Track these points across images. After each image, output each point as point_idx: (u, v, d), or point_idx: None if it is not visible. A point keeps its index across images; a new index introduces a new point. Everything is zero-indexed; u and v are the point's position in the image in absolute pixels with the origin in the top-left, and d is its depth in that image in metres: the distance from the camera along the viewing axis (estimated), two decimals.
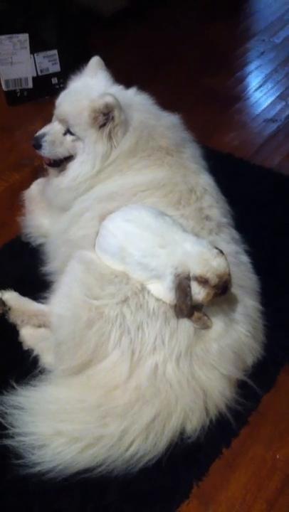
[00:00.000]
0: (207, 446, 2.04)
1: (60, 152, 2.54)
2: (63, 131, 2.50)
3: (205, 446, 2.03)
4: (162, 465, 1.96)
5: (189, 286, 1.96)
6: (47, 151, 2.55)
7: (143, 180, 2.39)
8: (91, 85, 2.49)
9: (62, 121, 2.49)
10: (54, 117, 2.56)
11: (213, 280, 1.94)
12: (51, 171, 2.67)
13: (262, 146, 3.59)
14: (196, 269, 1.96)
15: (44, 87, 3.93)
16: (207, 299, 1.98)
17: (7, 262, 2.76)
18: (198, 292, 1.97)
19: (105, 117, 2.37)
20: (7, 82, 3.87)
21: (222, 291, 1.98)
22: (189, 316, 2.01)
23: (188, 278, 1.96)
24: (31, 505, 1.90)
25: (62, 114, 2.48)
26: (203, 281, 1.95)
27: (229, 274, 1.98)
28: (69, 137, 2.49)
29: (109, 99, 2.34)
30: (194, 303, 1.99)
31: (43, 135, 2.54)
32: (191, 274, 1.96)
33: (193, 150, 2.61)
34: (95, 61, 2.59)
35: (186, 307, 1.97)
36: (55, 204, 2.61)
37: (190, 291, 1.96)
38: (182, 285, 1.96)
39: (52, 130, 2.53)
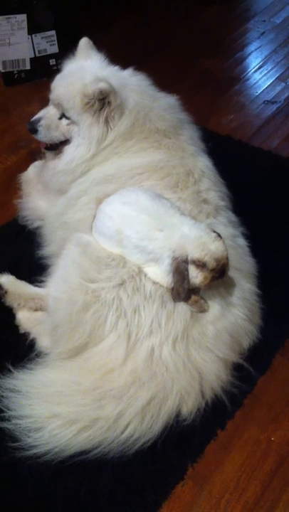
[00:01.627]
0: (202, 429, 2.06)
1: (56, 136, 2.52)
2: (58, 116, 2.49)
3: (200, 429, 2.05)
4: (157, 447, 1.98)
5: (187, 270, 1.96)
6: (43, 135, 2.54)
7: (140, 163, 2.37)
8: (85, 68, 2.47)
9: (57, 105, 2.47)
10: (50, 101, 2.54)
11: (211, 264, 1.94)
12: (48, 154, 2.66)
13: (261, 127, 3.57)
14: (194, 252, 1.95)
15: (42, 69, 3.90)
16: (205, 282, 1.98)
17: (3, 245, 2.76)
18: (196, 276, 1.97)
19: (101, 103, 2.35)
20: (4, 63, 3.83)
21: (219, 274, 1.98)
22: (186, 299, 2.02)
23: (186, 261, 1.96)
24: (25, 489, 1.91)
25: (56, 98, 2.46)
26: (201, 264, 1.95)
27: (227, 258, 1.98)
28: (64, 121, 2.48)
29: (103, 85, 2.31)
30: (191, 286, 1.99)
31: (39, 119, 2.53)
32: (189, 258, 1.96)
33: (191, 132, 2.59)
34: (85, 42, 2.56)
35: (183, 290, 1.97)
36: (52, 187, 2.59)
37: (188, 274, 1.96)
38: (180, 268, 1.96)
39: (47, 114, 2.52)
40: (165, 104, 2.55)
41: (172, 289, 2.00)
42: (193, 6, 4.86)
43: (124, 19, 4.71)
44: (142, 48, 4.32)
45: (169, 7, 4.87)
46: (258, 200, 2.98)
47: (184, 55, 4.29)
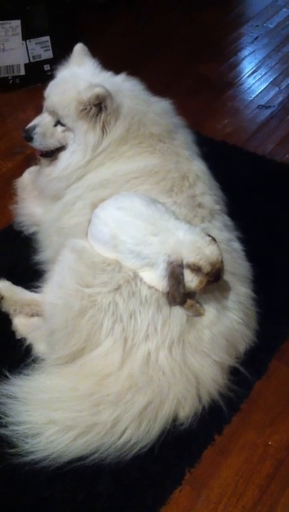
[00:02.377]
0: (199, 433, 2.05)
1: (52, 143, 2.52)
2: (53, 123, 2.49)
3: (197, 433, 2.05)
4: (155, 452, 1.97)
5: (182, 274, 1.96)
6: (38, 142, 2.53)
7: (135, 168, 2.38)
8: (78, 74, 2.47)
9: (52, 112, 2.47)
10: (44, 108, 2.54)
11: (206, 268, 1.95)
12: (43, 160, 2.66)
13: (255, 132, 3.58)
14: (189, 257, 1.96)
15: (36, 74, 3.89)
16: (200, 286, 1.98)
17: None
18: (191, 280, 1.97)
19: (97, 108, 2.36)
20: None
21: (215, 278, 1.99)
22: (182, 303, 2.02)
23: (181, 266, 1.96)
24: (23, 494, 1.91)
25: (51, 106, 2.47)
26: (196, 269, 1.95)
27: (222, 262, 1.98)
28: (60, 128, 2.48)
29: (99, 90, 2.32)
30: (187, 290, 1.99)
31: (34, 127, 2.53)
32: (184, 262, 1.96)
33: (186, 136, 2.60)
34: (79, 48, 2.57)
35: (178, 295, 1.97)
36: (47, 193, 2.59)
37: (183, 278, 1.96)
38: (175, 273, 1.96)
39: (42, 122, 2.52)
40: (159, 109, 2.56)
41: (168, 293, 2.01)
42: (190, 9, 4.88)
43: (122, 20, 4.72)
44: (138, 49, 4.34)
45: (165, 10, 4.89)
46: (253, 204, 2.98)
47: (179, 58, 4.30)
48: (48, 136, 2.51)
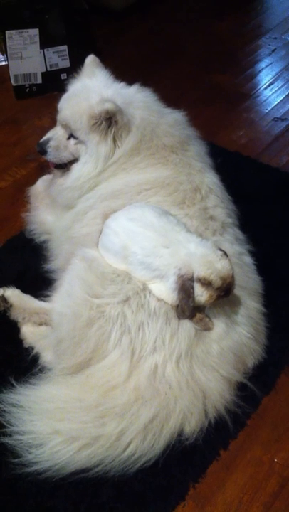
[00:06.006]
0: (205, 448, 2.04)
1: (65, 156, 2.54)
2: (67, 136, 2.50)
3: (202, 448, 2.03)
4: (159, 466, 1.96)
5: (192, 288, 1.95)
6: (52, 156, 2.55)
7: (147, 179, 2.38)
8: (90, 87, 2.48)
9: (65, 126, 2.49)
10: (57, 122, 2.55)
11: (217, 282, 1.93)
12: (56, 171, 2.67)
13: (270, 144, 3.57)
14: (199, 270, 1.95)
15: (53, 83, 3.91)
16: (210, 301, 1.97)
17: (9, 258, 2.77)
18: (201, 294, 1.96)
19: (108, 122, 2.37)
20: (16, 76, 3.86)
21: (225, 293, 1.97)
22: (191, 317, 2.00)
23: (191, 279, 1.95)
24: (25, 504, 1.90)
25: (64, 120, 2.48)
26: (206, 283, 1.94)
27: (233, 277, 1.97)
28: (72, 141, 2.49)
29: (109, 106, 2.33)
30: (196, 304, 1.98)
31: (48, 141, 2.55)
32: (194, 276, 1.95)
33: (199, 147, 2.59)
34: (91, 60, 2.59)
35: (188, 308, 1.96)
36: (59, 202, 2.60)
37: (193, 292, 1.95)
38: (185, 286, 1.95)
39: (56, 135, 2.54)
40: (172, 120, 2.55)
41: (177, 306, 1.99)
42: (206, 19, 4.89)
43: (138, 28, 4.74)
44: (153, 58, 4.36)
45: (181, 18, 4.90)
46: (266, 217, 2.97)
47: (194, 67, 4.31)
48: (61, 150, 2.52)
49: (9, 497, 1.92)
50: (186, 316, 1.99)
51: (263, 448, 2.11)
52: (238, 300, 2.15)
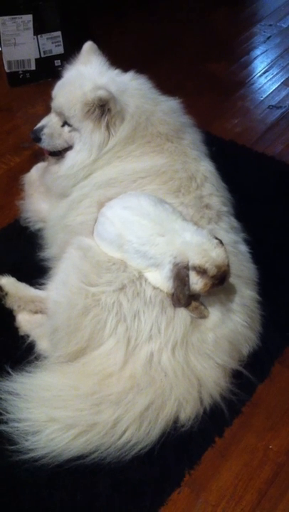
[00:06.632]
0: (200, 435, 2.05)
1: (59, 144, 2.53)
2: (61, 123, 2.50)
3: (198, 435, 2.04)
4: (154, 453, 1.97)
5: (188, 276, 1.95)
6: (46, 143, 2.55)
7: (142, 167, 2.37)
8: (84, 74, 2.47)
9: (59, 113, 2.48)
10: (52, 109, 2.54)
11: (212, 271, 1.94)
12: (50, 158, 2.66)
13: (265, 133, 3.56)
14: (194, 259, 1.95)
15: (47, 69, 3.89)
16: (205, 289, 1.97)
17: (4, 247, 2.76)
18: (196, 282, 1.96)
19: (101, 109, 2.36)
20: (10, 63, 3.83)
21: (220, 281, 1.98)
22: (186, 305, 2.01)
23: (186, 268, 1.95)
24: (22, 492, 1.91)
25: (58, 107, 2.47)
26: (201, 271, 1.94)
27: (228, 265, 1.97)
28: (67, 128, 2.49)
29: (102, 93, 2.32)
30: (192, 292, 1.98)
31: (42, 128, 2.54)
32: (189, 264, 1.95)
33: (194, 136, 2.59)
34: (88, 46, 2.56)
35: (183, 296, 1.97)
36: (54, 190, 2.60)
37: (188, 280, 1.95)
38: (181, 274, 1.95)
39: (50, 122, 2.53)
40: (167, 108, 2.54)
41: (172, 294, 2.00)
42: (203, 8, 4.86)
43: (133, 17, 4.70)
44: (149, 47, 4.32)
45: (177, 7, 4.87)
46: (262, 205, 2.97)
47: (189, 56, 4.28)
48: (55, 137, 2.52)
49: (6, 486, 1.92)
50: (182, 304, 1.99)
51: (258, 435, 2.12)
52: (233, 288, 2.16)
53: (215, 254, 1.95)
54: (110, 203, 2.18)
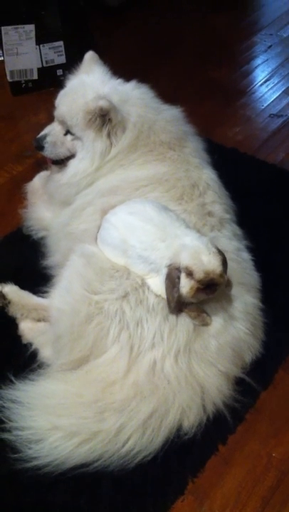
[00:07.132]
0: (203, 443, 2.04)
1: (62, 152, 2.55)
2: (64, 132, 2.52)
3: (201, 443, 2.03)
4: (158, 460, 1.96)
5: (178, 278, 1.94)
6: (49, 152, 2.57)
7: (145, 175, 2.38)
8: (87, 83, 2.49)
9: (62, 122, 2.50)
10: (55, 118, 2.56)
11: (198, 274, 1.91)
12: (53, 167, 2.67)
13: (266, 141, 3.57)
14: (185, 260, 1.93)
15: (49, 79, 3.91)
16: (190, 293, 1.93)
17: (7, 254, 2.76)
18: (184, 285, 1.94)
19: (102, 119, 2.37)
20: (12, 72, 3.85)
21: (206, 288, 1.94)
22: (177, 310, 2.00)
23: (178, 269, 1.94)
24: (24, 498, 1.91)
25: (60, 116, 2.49)
26: (188, 272, 1.92)
27: (220, 275, 1.92)
28: (69, 137, 2.50)
29: (103, 103, 2.33)
30: (183, 298, 1.96)
31: (44, 136, 2.56)
32: (180, 265, 1.94)
33: (196, 144, 2.60)
34: (90, 56, 2.58)
35: (172, 299, 1.95)
36: (57, 199, 2.61)
37: (178, 282, 1.94)
38: (171, 275, 1.94)
39: (53, 131, 2.55)
40: (169, 116, 2.56)
41: (167, 298, 1.99)
42: (203, 15, 4.89)
43: (134, 23, 4.73)
44: (150, 52, 4.35)
45: (178, 13, 4.90)
46: (263, 213, 2.97)
47: (190, 62, 4.30)
48: (58, 145, 2.54)
49: (9, 493, 1.92)
50: (172, 307, 1.98)
51: (261, 442, 2.12)
52: (235, 296, 2.16)
53: (206, 259, 1.92)
54: (115, 209, 2.20)
